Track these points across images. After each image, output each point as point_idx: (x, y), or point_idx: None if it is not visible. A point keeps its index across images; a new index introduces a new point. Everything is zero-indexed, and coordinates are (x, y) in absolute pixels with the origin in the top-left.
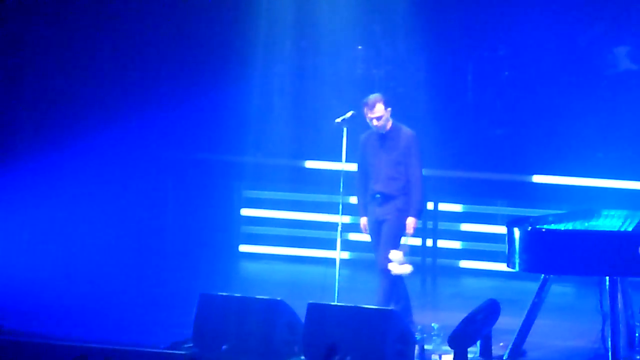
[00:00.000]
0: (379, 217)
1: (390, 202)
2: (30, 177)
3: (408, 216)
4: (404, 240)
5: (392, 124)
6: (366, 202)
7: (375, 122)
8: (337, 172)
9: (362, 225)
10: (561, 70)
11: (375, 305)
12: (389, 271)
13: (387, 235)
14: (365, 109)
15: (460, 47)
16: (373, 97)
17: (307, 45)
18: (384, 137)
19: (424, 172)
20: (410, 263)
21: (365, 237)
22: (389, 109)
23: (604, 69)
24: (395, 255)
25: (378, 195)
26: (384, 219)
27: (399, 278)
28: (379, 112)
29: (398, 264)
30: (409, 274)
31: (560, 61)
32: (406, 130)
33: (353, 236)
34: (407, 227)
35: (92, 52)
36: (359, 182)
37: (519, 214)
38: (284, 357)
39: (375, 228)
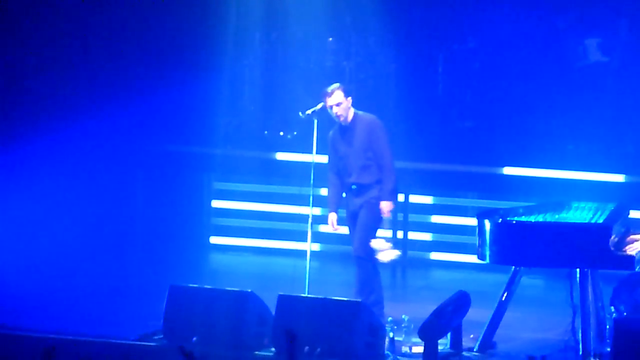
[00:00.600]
0: (356, 208)
1: (365, 193)
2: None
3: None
4: (380, 232)
5: (354, 114)
6: (336, 198)
7: (335, 110)
8: (307, 165)
9: (329, 221)
10: (532, 62)
11: (350, 296)
12: (364, 260)
13: (361, 223)
14: (325, 99)
15: (430, 40)
16: (332, 86)
17: (277, 37)
18: (347, 129)
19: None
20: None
21: (337, 230)
22: (349, 98)
23: (574, 61)
24: (376, 244)
25: (354, 187)
26: (358, 210)
27: (375, 269)
28: (337, 99)
29: (384, 251)
30: (393, 259)
31: (531, 53)
32: (366, 117)
33: (323, 228)
34: (382, 211)
35: (56, 46)
36: (329, 178)
37: (490, 206)
38: (254, 348)
39: (352, 219)
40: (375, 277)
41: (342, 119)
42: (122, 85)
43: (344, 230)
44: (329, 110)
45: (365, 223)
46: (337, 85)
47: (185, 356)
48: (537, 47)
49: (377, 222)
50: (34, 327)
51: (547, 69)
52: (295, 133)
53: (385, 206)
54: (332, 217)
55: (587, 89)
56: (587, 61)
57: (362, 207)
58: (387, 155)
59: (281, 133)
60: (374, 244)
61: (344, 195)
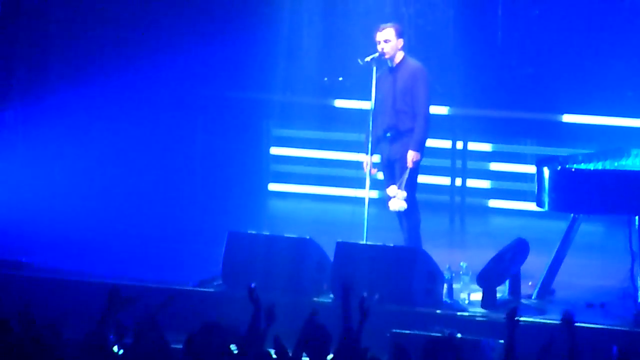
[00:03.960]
0: (391, 156)
1: (400, 140)
2: (63, 112)
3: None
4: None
5: (403, 57)
6: (374, 141)
7: (382, 45)
8: (366, 111)
9: (364, 164)
10: (593, 7)
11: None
12: (408, 209)
13: (400, 176)
14: (376, 33)
15: None
16: (387, 23)
17: None
18: (393, 71)
19: (435, 109)
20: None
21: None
22: (401, 40)
23: (637, 4)
24: (391, 191)
25: (389, 134)
26: (395, 158)
27: (419, 219)
28: (387, 36)
29: (394, 199)
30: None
31: None
32: (413, 63)
33: (381, 175)
34: (407, 160)
35: None
36: (371, 120)
37: (549, 153)
38: (313, 295)
39: (388, 167)
40: (419, 226)
41: (387, 56)
42: (183, 31)
43: (380, 176)
44: (378, 48)
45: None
46: (391, 23)
47: (252, 300)
48: None
49: (415, 171)
50: (93, 273)
51: (608, 14)
52: (340, 79)
53: (412, 156)
54: (367, 159)
55: None
56: None
57: (398, 160)
58: (423, 104)
59: (340, 79)
60: (390, 190)
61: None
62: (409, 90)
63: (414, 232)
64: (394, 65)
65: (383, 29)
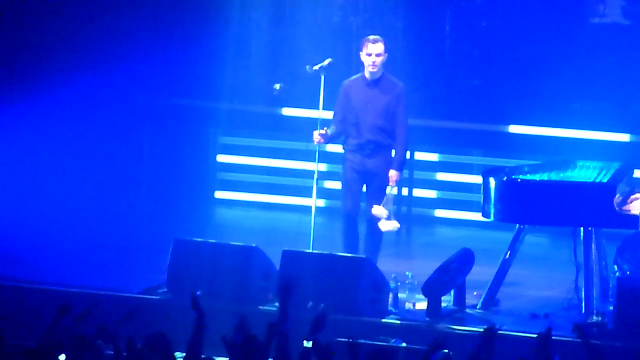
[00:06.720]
0: (367, 168)
1: (379, 154)
2: (2, 123)
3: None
4: (387, 192)
5: (382, 72)
6: (335, 132)
7: (374, 58)
8: (314, 120)
9: (317, 133)
10: (540, 19)
11: (351, 254)
12: (374, 221)
13: (378, 189)
14: (367, 44)
15: None
16: (375, 36)
17: None
18: (371, 85)
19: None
20: (395, 218)
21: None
22: (386, 54)
23: (586, 19)
24: (379, 211)
25: (370, 146)
26: (373, 172)
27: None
28: (380, 49)
29: (385, 220)
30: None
31: (540, 10)
32: (396, 81)
33: (329, 184)
34: (390, 179)
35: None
36: (334, 126)
37: (495, 164)
38: (258, 303)
39: (359, 178)
40: (382, 238)
41: (375, 69)
42: (129, 38)
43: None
44: (364, 57)
45: (381, 189)
46: (380, 37)
47: (194, 308)
48: (547, 4)
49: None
50: (38, 280)
51: (556, 26)
52: (277, 87)
53: (394, 175)
54: (322, 131)
55: (595, 48)
56: (604, 20)
57: (377, 174)
58: (405, 125)
59: (276, 86)
60: (376, 210)
61: (343, 150)
62: (392, 108)
63: (377, 242)
64: (373, 79)
65: (376, 42)
